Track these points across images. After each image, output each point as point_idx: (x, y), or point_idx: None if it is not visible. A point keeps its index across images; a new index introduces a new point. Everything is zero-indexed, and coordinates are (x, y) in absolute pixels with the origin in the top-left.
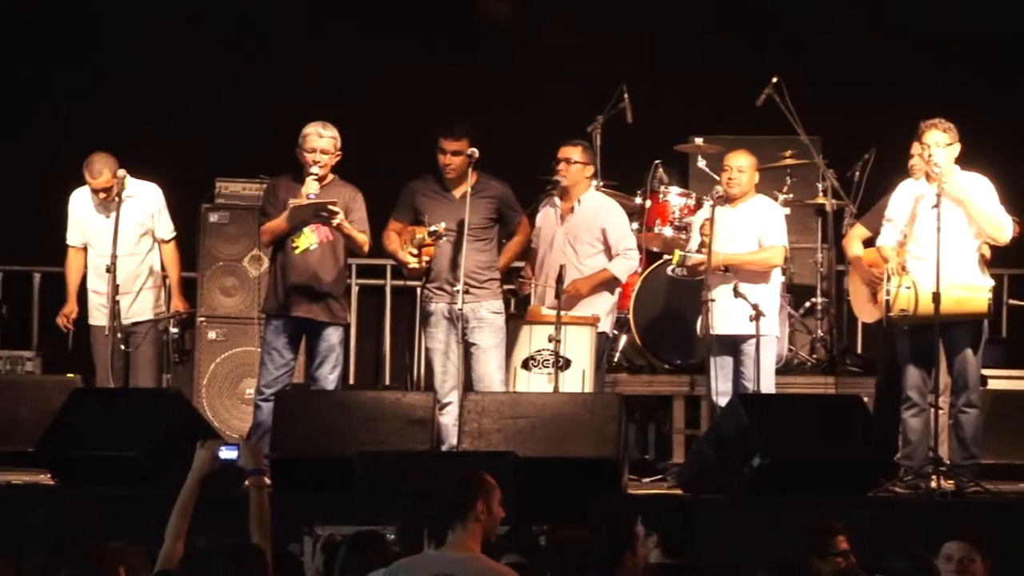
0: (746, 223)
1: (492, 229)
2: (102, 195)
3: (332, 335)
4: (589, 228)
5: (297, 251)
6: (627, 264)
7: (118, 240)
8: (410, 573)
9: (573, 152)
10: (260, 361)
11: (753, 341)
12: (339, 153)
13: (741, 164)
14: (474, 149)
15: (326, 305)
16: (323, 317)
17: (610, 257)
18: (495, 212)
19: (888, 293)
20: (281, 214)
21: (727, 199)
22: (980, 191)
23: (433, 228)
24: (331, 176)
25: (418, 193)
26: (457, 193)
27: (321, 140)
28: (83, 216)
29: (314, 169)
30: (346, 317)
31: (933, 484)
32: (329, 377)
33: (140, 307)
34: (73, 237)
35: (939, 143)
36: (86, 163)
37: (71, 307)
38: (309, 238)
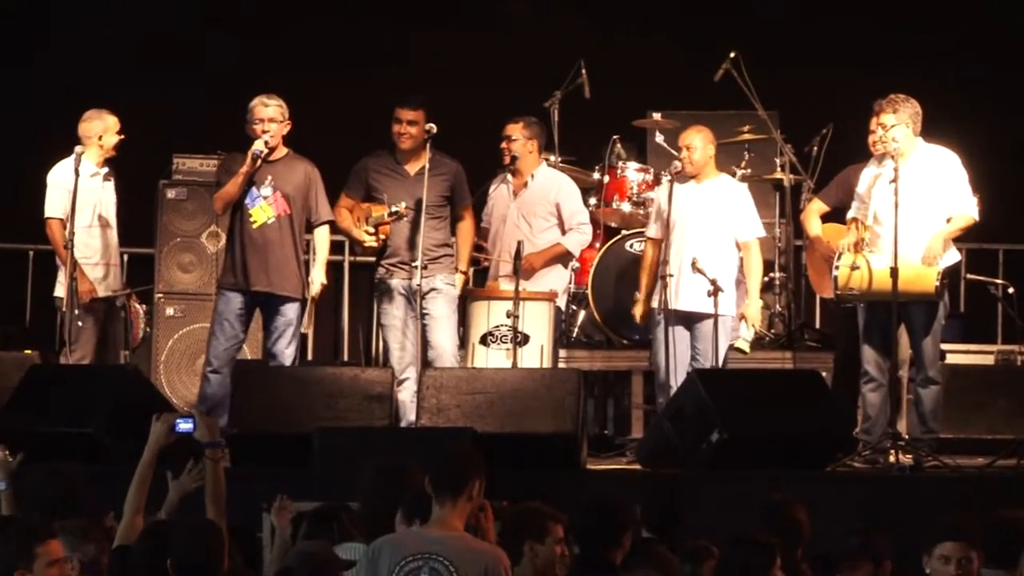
0: (713, 203)
1: (446, 207)
2: (112, 152)
3: (290, 310)
4: (543, 202)
5: (255, 225)
6: (580, 238)
7: (105, 215)
8: (394, 550)
9: (513, 130)
10: (210, 333)
11: (708, 320)
12: (288, 122)
13: (691, 142)
14: (432, 125)
15: (284, 279)
16: (281, 291)
17: (563, 232)
18: (449, 190)
19: (836, 269)
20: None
21: (687, 176)
22: (946, 167)
23: (394, 209)
24: (285, 149)
25: (371, 169)
26: (411, 170)
27: (267, 109)
28: (72, 187)
29: (265, 138)
30: (304, 292)
31: (892, 459)
32: (286, 352)
33: (105, 283)
34: (59, 208)
35: (886, 124)
36: (100, 120)
37: (86, 280)
38: (266, 211)
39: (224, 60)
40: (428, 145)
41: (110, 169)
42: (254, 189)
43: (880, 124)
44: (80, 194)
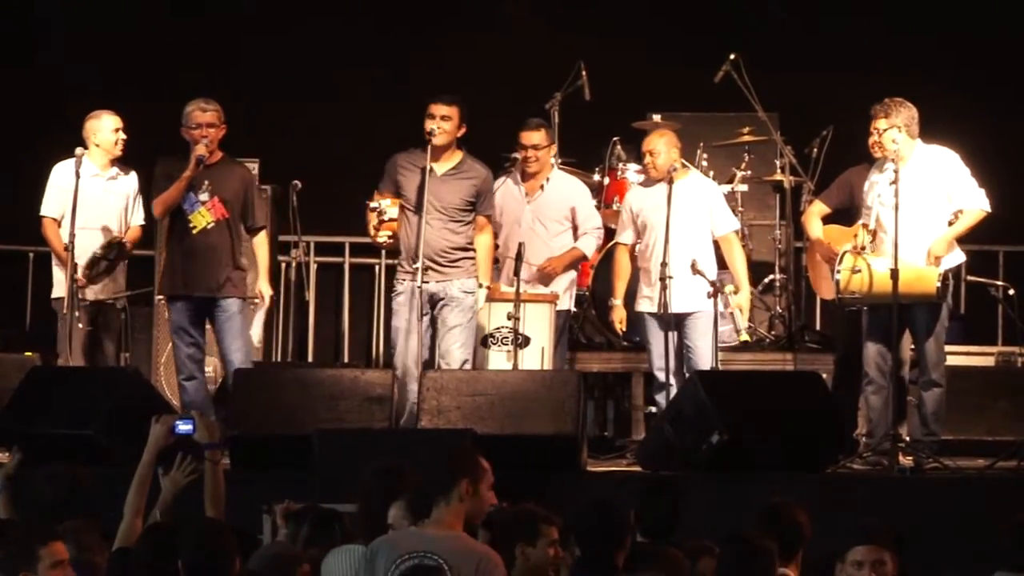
0: (687, 201)
1: (470, 212)
2: (119, 146)
3: (231, 305)
4: (559, 207)
5: (195, 231)
6: (595, 242)
7: (104, 217)
8: (392, 550)
9: (537, 137)
10: (172, 344)
11: (697, 316)
12: (224, 126)
13: (653, 147)
14: (432, 129)
15: (225, 282)
16: (221, 294)
17: (575, 235)
18: (474, 195)
19: (838, 273)
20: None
21: (655, 180)
22: (946, 166)
23: (374, 204)
24: (220, 153)
25: (399, 165)
26: (439, 169)
27: (205, 115)
28: (70, 187)
29: (204, 142)
30: (246, 291)
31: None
32: (232, 346)
33: (114, 286)
34: (54, 208)
35: (880, 128)
36: (96, 120)
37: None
38: (205, 217)
39: (224, 60)
40: (430, 146)
41: (120, 170)
42: (192, 194)
43: (875, 128)
44: (87, 196)
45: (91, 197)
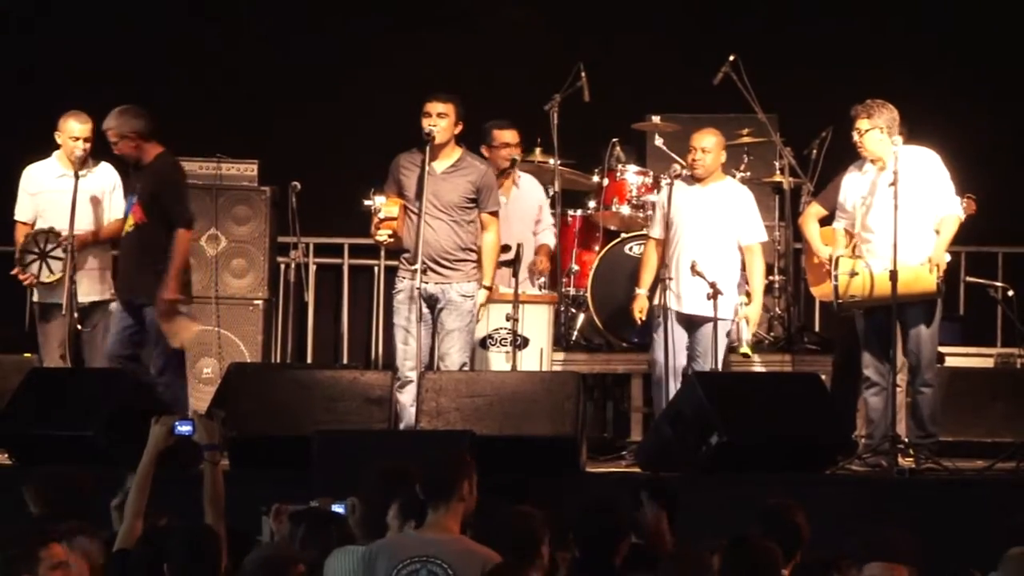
0: (717, 205)
1: (472, 211)
2: (85, 147)
3: (148, 313)
4: (532, 204)
5: (122, 235)
6: (553, 237)
7: (79, 217)
8: (392, 553)
9: (513, 135)
10: None
11: (712, 324)
12: (126, 139)
13: (706, 144)
14: (428, 132)
15: (137, 287)
16: (137, 300)
17: (535, 230)
18: (474, 192)
19: (836, 279)
20: None
21: (694, 178)
22: (928, 167)
23: (368, 202)
24: (154, 152)
25: (401, 166)
26: (437, 167)
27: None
28: (40, 190)
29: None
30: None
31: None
32: (154, 352)
33: (101, 287)
34: (24, 212)
35: (860, 129)
36: (62, 120)
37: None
38: (129, 220)
39: (224, 62)
40: (454, 142)
41: (90, 168)
42: (131, 197)
43: (855, 129)
44: (46, 196)
45: (58, 198)
